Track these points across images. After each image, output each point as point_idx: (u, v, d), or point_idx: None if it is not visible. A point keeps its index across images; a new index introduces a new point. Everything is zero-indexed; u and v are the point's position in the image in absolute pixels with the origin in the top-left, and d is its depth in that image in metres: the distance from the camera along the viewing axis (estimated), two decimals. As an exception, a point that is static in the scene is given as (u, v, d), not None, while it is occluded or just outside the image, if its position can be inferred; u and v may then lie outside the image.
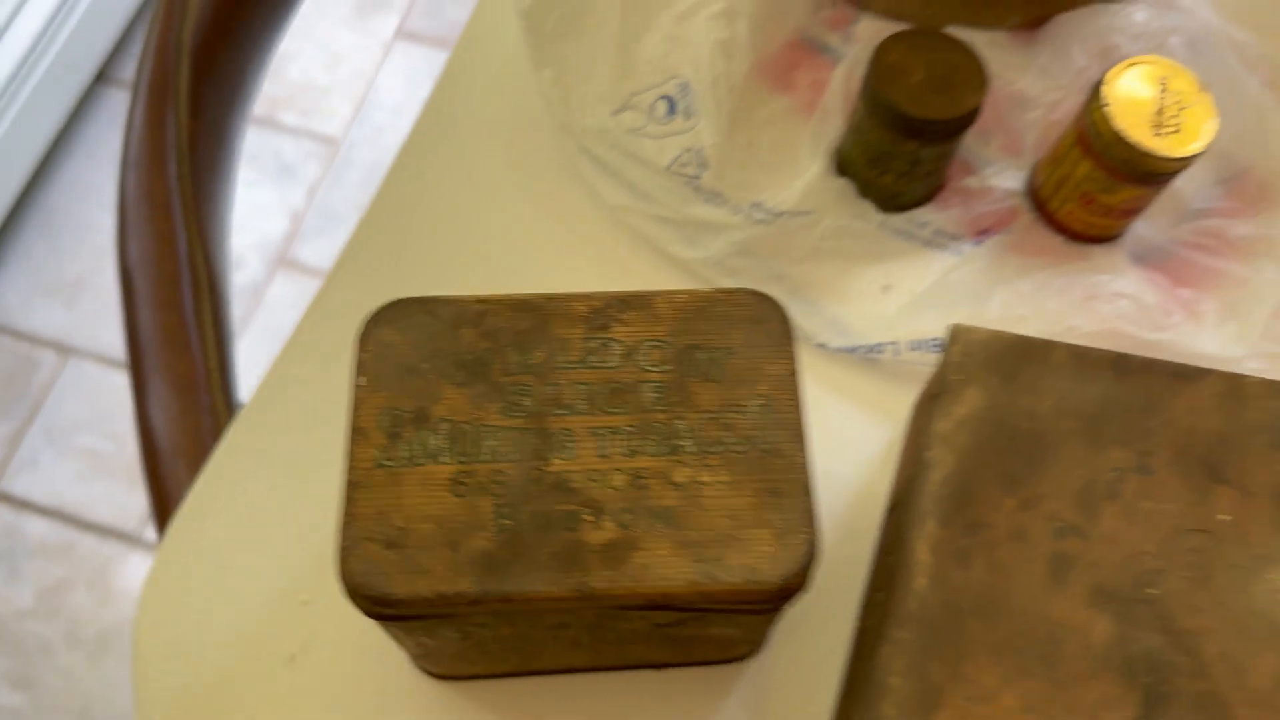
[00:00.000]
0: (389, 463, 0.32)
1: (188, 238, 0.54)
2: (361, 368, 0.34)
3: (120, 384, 1.38)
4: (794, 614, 0.42)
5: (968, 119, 0.44)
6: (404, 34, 1.57)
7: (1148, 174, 0.43)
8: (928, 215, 0.48)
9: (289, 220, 1.44)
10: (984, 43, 0.48)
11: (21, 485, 1.33)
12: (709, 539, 0.32)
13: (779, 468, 0.33)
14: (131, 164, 0.56)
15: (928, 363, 0.44)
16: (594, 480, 0.33)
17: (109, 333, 1.41)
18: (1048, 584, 0.33)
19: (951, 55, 0.45)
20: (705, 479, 0.33)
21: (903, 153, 0.45)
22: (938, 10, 0.49)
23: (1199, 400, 0.35)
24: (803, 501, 0.33)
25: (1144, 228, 0.48)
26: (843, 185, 0.48)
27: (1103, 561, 0.33)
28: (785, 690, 0.41)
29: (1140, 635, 0.32)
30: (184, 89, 0.58)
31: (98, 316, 1.44)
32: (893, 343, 0.45)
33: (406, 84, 1.55)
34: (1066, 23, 0.50)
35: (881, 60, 0.44)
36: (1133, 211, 0.46)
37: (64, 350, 1.41)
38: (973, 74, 0.44)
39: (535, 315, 0.35)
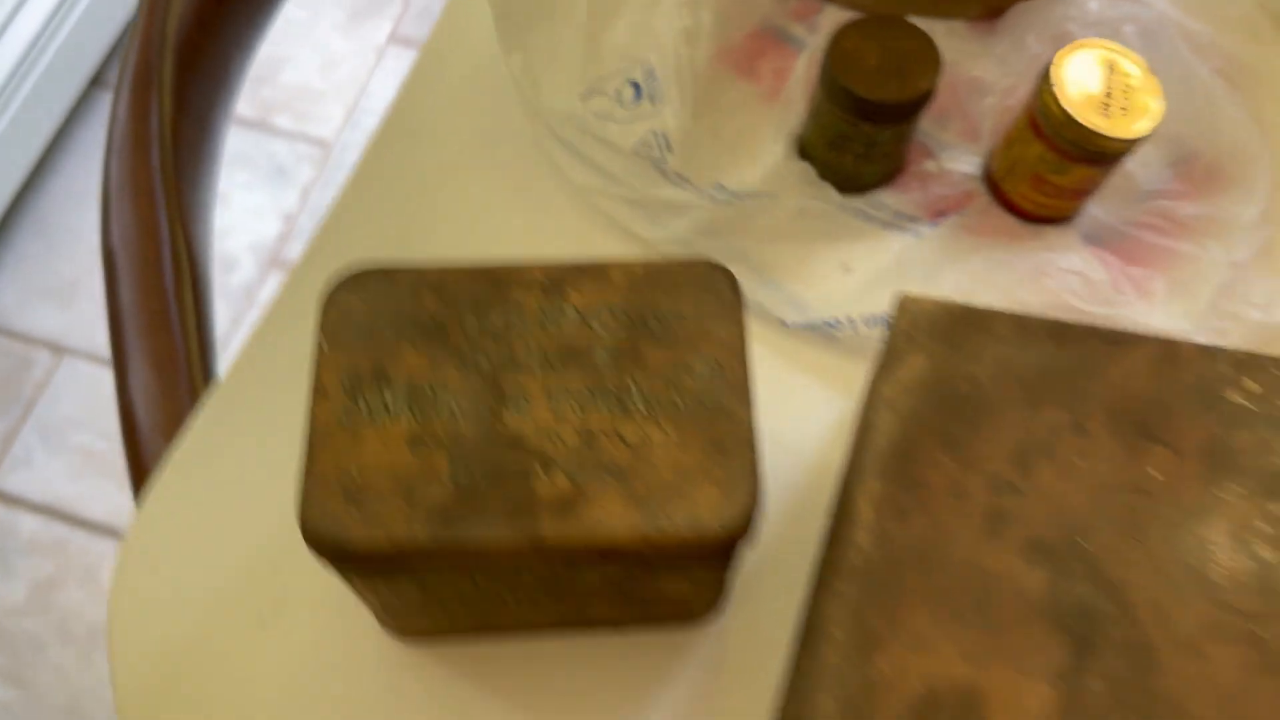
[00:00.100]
0: (348, 419, 0.34)
1: (169, 223, 0.56)
2: (324, 330, 0.35)
3: (113, 383, 1.39)
4: (752, 579, 0.43)
5: (920, 101, 0.45)
6: (396, 39, 1.58)
7: (1096, 154, 0.45)
8: (886, 197, 0.50)
9: (282, 222, 1.46)
10: (943, 32, 0.50)
11: (14, 482, 1.34)
12: (656, 492, 0.33)
13: (725, 426, 0.34)
14: (115, 151, 0.57)
15: (883, 337, 0.46)
16: (547, 437, 0.34)
17: (103, 333, 1.43)
18: (984, 538, 0.34)
19: (906, 42, 0.46)
20: (654, 436, 0.34)
21: (859, 134, 0.46)
22: (900, 1, 0.51)
23: (1134, 364, 0.37)
24: (747, 457, 0.34)
25: (1097, 209, 0.49)
26: (804, 168, 0.49)
27: (1037, 517, 0.35)
28: (743, 652, 0.42)
29: (1072, 586, 0.33)
30: (167, 81, 0.59)
31: (92, 317, 1.45)
32: (849, 318, 0.46)
33: (399, 88, 1.57)
34: (1023, 12, 0.51)
35: (838, 46, 0.46)
36: (1083, 192, 0.47)
37: (58, 350, 1.42)
38: (926, 59, 0.46)
39: (493, 282, 0.36)
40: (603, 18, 0.49)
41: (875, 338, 0.46)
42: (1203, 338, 0.45)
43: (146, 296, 0.53)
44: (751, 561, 0.43)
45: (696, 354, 0.35)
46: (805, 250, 0.49)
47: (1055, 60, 0.45)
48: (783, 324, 0.47)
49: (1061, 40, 0.49)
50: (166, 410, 0.51)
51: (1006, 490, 0.35)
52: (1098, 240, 0.49)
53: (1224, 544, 0.33)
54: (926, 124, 0.51)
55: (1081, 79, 0.45)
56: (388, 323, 0.35)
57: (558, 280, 0.36)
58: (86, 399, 1.40)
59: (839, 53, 0.45)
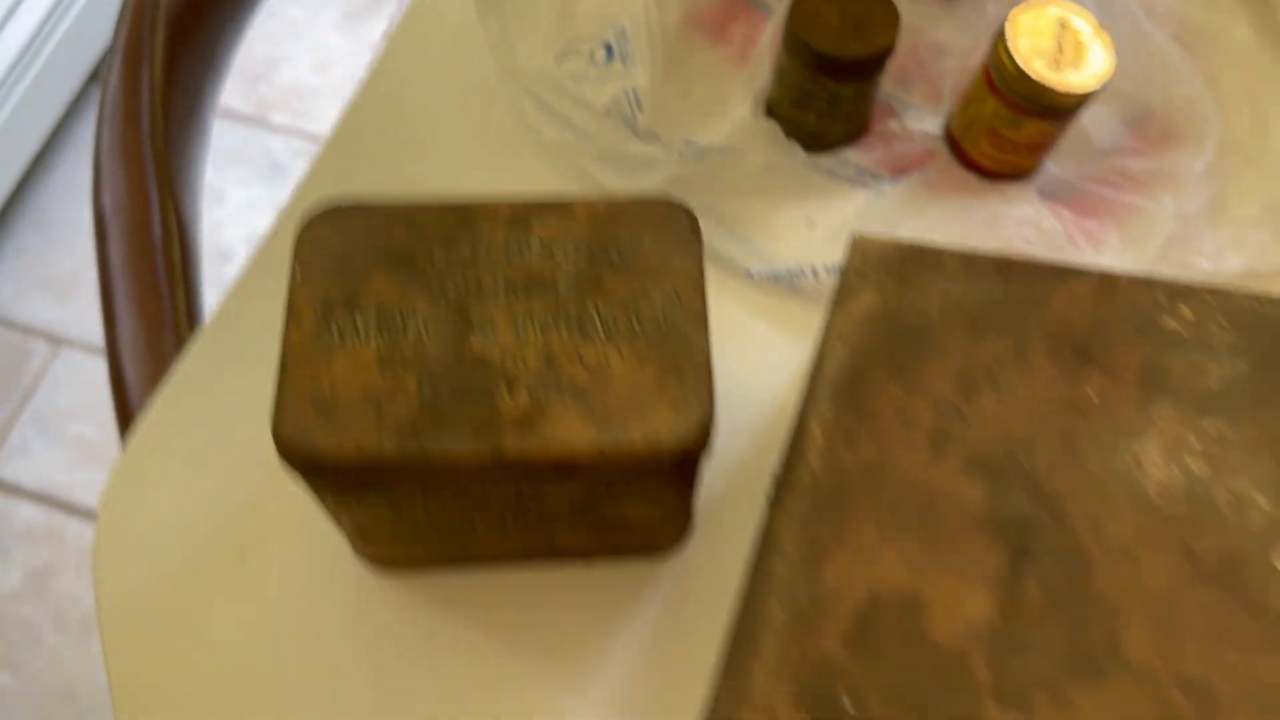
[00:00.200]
0: (320, 342, 0.35)
1: (158, 186, 0.57)
2: (298, 259, 0.37)
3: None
4: (715, 514, 0.45)
5: (880, 58, 0.47)
6: (391, 36, 1.60)
7: (1048, 108, 0.47)
8: (851, 155, 0.51)
9: (278, 216, 1.47)
10: (906, -3, 0.52)
11: (11, 471, 1.35)
12: (614, 409, 0.35)
13: (681, 349, 0.36)
14: (107, 120, 0.59)
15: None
16: (510, 359, 0.35)
17: (100, 325, 1.44)
18: (928, 457, 0.36)
19: (866, 2, 0.48)
20: (613, 358, 0.36)
21: (822, 91, 0.48)
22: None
23: (1074, 294, 0.38)
24: (702, 378, 0.35)
25: (1054, 167, 0.51)
26: (771, 127, 0.51)
27: (979, 437, 0.36)
28: (707, 584, 0.44)
29: (1011, 499, 0.35)
30: (159, 52, 0.61)
31: (89, 310, 1.47)
32: (812, 268, 0.48)
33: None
34: (984, -22, 0.53)
35: (800, 6, 0.48)
36: (1039, 148, 0.49)
37: (56, 341, 1.44)
38: (885, 17, 0.47)
39: (461, 216, 0.38)
40: (576, -19, 0.51)
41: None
42: (1153, 286, 0.47)
43: (136, 257, 0.55)
44: (714, 498, 0.45)
45: (655, 284, 0.37)
46: (771, 205, 0.50)
47: (1009, 18, 0.47)
48: (748, 274, 0.49)
49: (1019, 2, 0.51)
50: (153, 364, 0.53)
51: (950, 413, 0.37)
52: (1053, 195, 0.50)
53: (1156, 459, 0.35)
54: (890, 86, 0.53)
55: (1034, 35, 0.46)
56: (360, 253, 0.37)
57: (523, 214, 0.38)
58: (83, 389, 1.41)
59: (800, 12, 0.47)
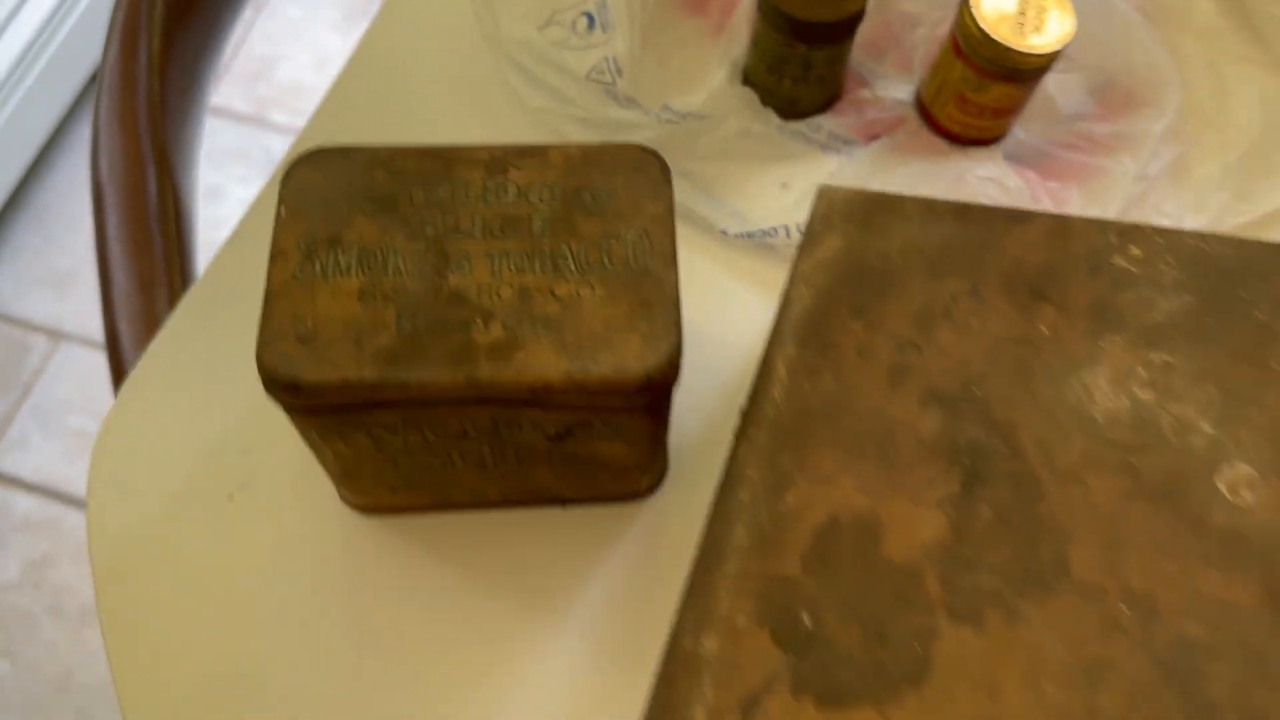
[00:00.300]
0: (303, 277, 0.37)
1: (153, 155, 0.59)
2: (283, 200, 0.38)
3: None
4: (688, 461, 0.46)
5: (850, 22, 0.49)
6: (389, 36, 1.62)
7: (1012, 71, 0.48)
8: (824, 121, 0.53)
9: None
10: (878, -30, 0.53)
11: (10, 463, 1.37)
12: (585, 341, 0.36)
13: (651, 286, 0.37)
14: (105, 90, 0.61)
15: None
16: (486, 293, 0.37)
17: (99, 320, 1.46)
18: (886, 389, 0.37)
19: (838, -31, 0.49)
20: (584, 293, 0.37)
21: (795, 56, 0.50)
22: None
23: (1029, 236, 0.40)
24: (670, 313, 0.37)
25: (1021, 133, 0.53)
26: (747, 94, 0.53)
27: (935, 370, 0.38)
28: (680, 527, 0.45)
29: (964, 428, 0.36)
30: (157, 27, 0.63)
31: (88, 305, 1.49)
32: (785, 227, 0.50)
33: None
34: (953, -48, 0.55)
35: (774, -27, 0.49)
36: (1005, 112, 0.51)
37: (55, 336, 1.45)
38: (856, -16, 0.49)
39: (441, 161, 0.40)
40: (559, -48, 0.53)
41: (808, 243, 0.49)
42: (1114, 243, 0.48)
43: (130, 222, 0.57)
44: (688, 446, 0.46)
45: (626, 225, 0.39)
46: (746, 169, 0.52)
47: (975, -16, 0.48)
48: (723, 234, 0.51)
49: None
50: (147, 323, 0.54)
51: (908, 348, 0.38)
52: (1020, 159, 0.52)
53: (1105, 388, 0.36)
54: (863, 57, 0.55)
55: (998, 1, 0.48)
56: (343, 195, 0.39)
57: (500, 160, 0.40)
58: (82, 383, 1.43)
59: (774, -21, 0.49)
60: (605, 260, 0.38)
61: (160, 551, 0.45)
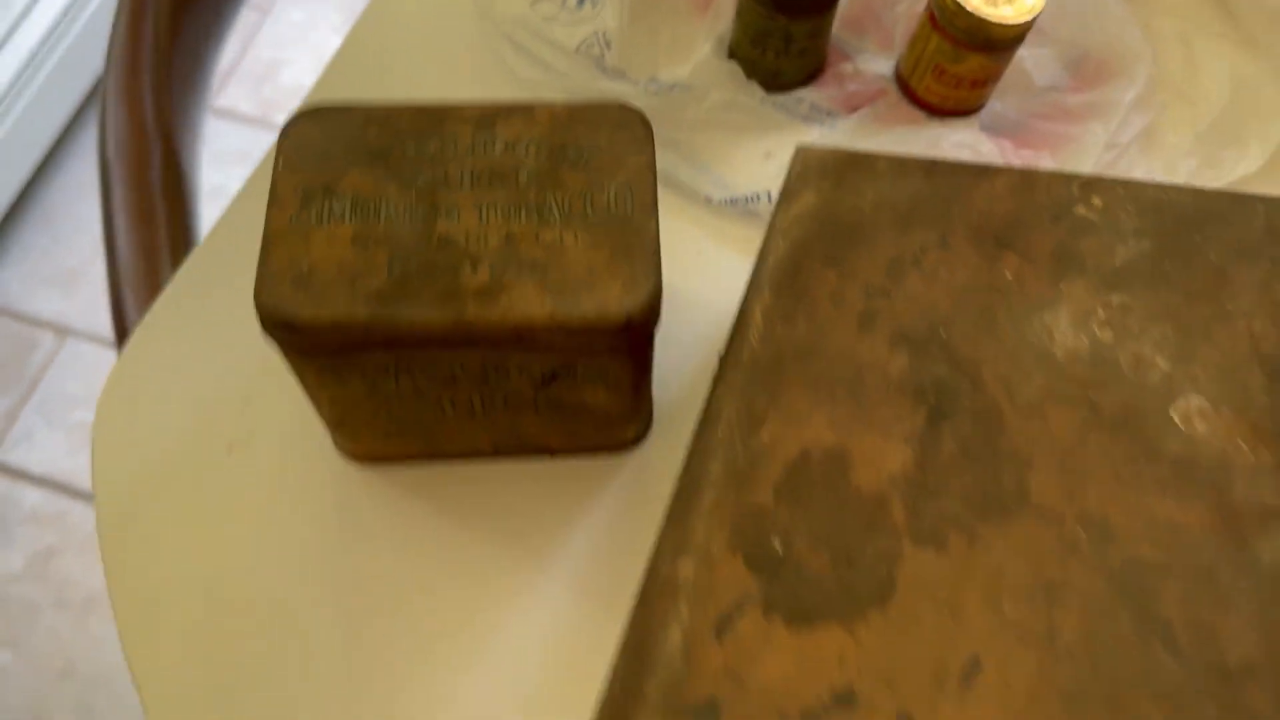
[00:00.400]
0: (299, 224, 0.39)
1: (158, 130, 0.61)
2: (281, 153, 0.40)
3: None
4: (673, 415, 0.48)
5: (830, -5, 0.51)
6: (391, 38, 1.65)
7: (986, 41, 0.50)
8: (806, 94, 0.55)
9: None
10: (859, -51, 0.55)
11: (17, 456, 1.39)
12: (568, 284, 0.38)
13: (632, 233, 0.39)
14: (113, 67, 0.62)
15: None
16: (474, 240, 0.39)
17: (104, 316, 1.48)
18: (857, 334, 0.39)
19: (819, -56, 0.51)
20: (568, 240, 0.39)
21: (776, 29, 0.52)
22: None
23: (995, 189, 0.41)
24: (650, 259, 0.39)
25: (997, 105, 0.54)
26: (732, 67, 0.55)
27: (903, 314, 0.39)
28: (662, 478, 0.47)
29: (930, 367, 0.38)
30: (164, 8, 0.65)
31: (94, 302, 1.51)
32: (768, 193, 0.51)
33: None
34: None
35: (756, -51, 0.51)
36: (980, 82, 0.52)
37: (61, 332, 1.47)
38: (835, -42, 0.51)
39: (433, 118, 0.41)
40: (550, -68, 0.55)
41: (790, 208, 0.51)
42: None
43: (135, 191, 0.59)
44: (671, 401, 0.48)
45: (609, 177, 0.40)
46: (731, 139, 0.54)
47: (949, -42, 0.50)
48: (708, 201, 0.52)
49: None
50: (150, 289, 0.56)
51: (878, 295, 0.40)
52: (996, 130, 0.54)
53: (1065, 328, 0.38)
54: (845, 34, 0.57)
55: (972, -27, 0.50)
56: (338, 148, 0.40)
57: (489, 116, 0.41)
58: (88, 378, 1.45)
59: (757, -46, 0.51)
60: (588, 210, 0.39)
61: (162, 499, 0.46)
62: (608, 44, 0.54)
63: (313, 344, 0.38)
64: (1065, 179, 0.41)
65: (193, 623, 0.44)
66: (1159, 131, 0.53)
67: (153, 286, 0.57)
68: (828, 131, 0.53)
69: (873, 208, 0.42)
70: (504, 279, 0.38)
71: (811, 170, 0.43)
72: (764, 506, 0.36)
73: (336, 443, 0.46)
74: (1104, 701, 0.31)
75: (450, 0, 0.57)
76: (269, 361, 0.48)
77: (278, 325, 0.37)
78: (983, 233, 0.40)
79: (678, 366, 0.49)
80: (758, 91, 0.54)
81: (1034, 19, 0.49)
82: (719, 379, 0.40)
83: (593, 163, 0.41)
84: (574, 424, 0.45)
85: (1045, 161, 0.51)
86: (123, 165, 0.59)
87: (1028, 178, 0.41)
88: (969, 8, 0.49)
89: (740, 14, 0.53)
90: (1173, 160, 0.52)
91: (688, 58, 0.55)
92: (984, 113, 0.54)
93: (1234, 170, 0.51)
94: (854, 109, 0.55)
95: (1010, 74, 0.54)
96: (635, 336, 0.39)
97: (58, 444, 1.40)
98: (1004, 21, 0.49)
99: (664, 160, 0.53)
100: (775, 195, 0.50)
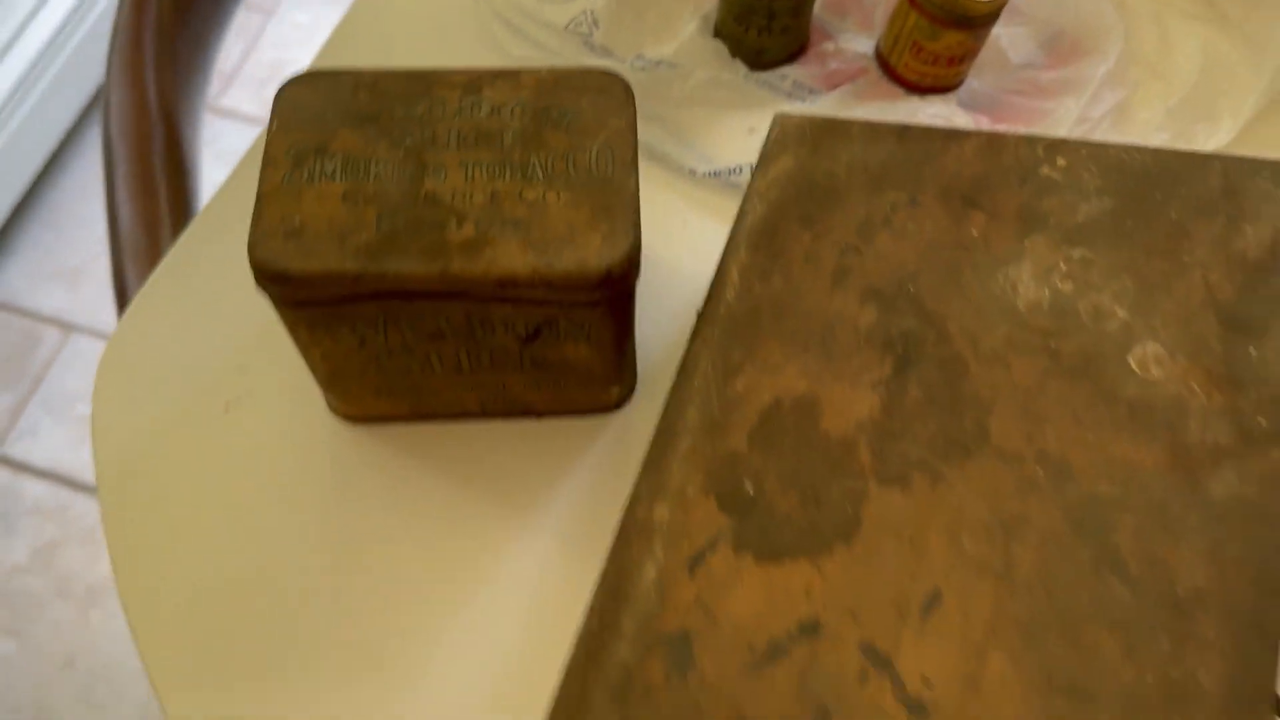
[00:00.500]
0: (291, 182, 0.40)
1: (160, 109, 0.63)
2: (275, 115, 0.42)
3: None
4: (656, 377, 0.49)
5: (809, -27, 0.52)
6: (393, 39, 1.67)
7: (962, 18, 0.51)
8: (789, 71, 0.56)
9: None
10: (840, -69, 0.57)
11: (21, 450, 1.40)
12: (550, 239, 0.39)
13: (612, 192, 0.41)
14: (116, 48, 0.64)
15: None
16: (459, 197, 0.40)
17: (108, 312, 1.50)
18: (829, 288, 0.41)
19: (799, -75, 0.53)
20: (550, 198, 0.40)
21: (759, 6, 0.53)
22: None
23: (965, 152, 0.43)
24: (629, 216, 0.40)
25: (975, 83, 0.56)
26: (717, 45, 0.56)
27: (874, 270, 0.41)
28: (643, 439, 0.48)
29: (898, 319, 0.39)
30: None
31: (98, 298, 1.53)
32: (749, 164, 0.53)
33: None
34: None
35: (739, -72, 0.53)
36: (957, 59, 0.54)
37: (66, 328, 1.49)
38: (815, -63, 0.52)
39: (421, 82, 0.43)
40: (540, -86, 0.57)
41: (771, 179, 0.52)
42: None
43: (137, 165, 0.60)
44: (654, 366, 0.49)
45: (591, 139, 0.42)
46: (715, 115, 0.55)
47: (926, -62, 0.52)
48: (692, 174, 0.54)
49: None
50: (150, 259, 0.58)
51: (850, 252, 0.41)
52: (973, 106, 0.55)
53: (1028, 281, 0.39)
54: (827, 15, 0.58)
55: (948, -49, 0.51)
56: (330, 110, 0.42)
57: (476, 81, 0.43)
58: (91, 373, 1.46)
59: (739, -66, 0.52)
60: (570, 169, 0.41)
61: (159, 457, 0.48)
62: (596, 23, 0.55)
63: (304, 296, 0.39)
64: (1031, 141, 0.42)
65: (190, 575, 0.45)
66: (1131, 107, 0.54)
67: (153, 259, 0.58)
68: (809, 108, 0.55)
69: (846, 170, 0.43)
70: (488, 234, 0.39)
71: (789, 136, 0.45)
72: (737, 452, 0.38)
73: (329, 403, 0.48)
74: (1059, 631, 0.33)
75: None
76: (265, 327, 0.50)
77: (271, 277, 0.39)
78: (951, 193, 0.42)
79: (661, 332, 0.50)
80: (741, 69, 0.56)
81: (1008, -5, 0.50)
82: (696, 334, 0.41)
83: (575, 125, 0.42)
84: (559, 383, 0.46)
85: (1020, 135, 0.52)
86: (125, 143, 0.61)
87: (995, 141, 0.43)
88: (945, -16, 0.50)
89: (724, -8, 0.54)
90: (1144, 135, 0.53)
91: (673, 36, 0.56)
92: (962, 90, 0.55)
93: (1205, 144, 0.52)
94: (835, 86, 0.56)
95: (987, 53, 0.55)
96: (615, 290, 0.40)
97: (61, 438, 1.41)
98: (978, -2, 0.50)
99: (650, 135, 0.54)
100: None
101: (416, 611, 0.44)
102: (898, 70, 0.55)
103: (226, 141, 1.62)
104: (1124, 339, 0.38)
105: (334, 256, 0.39)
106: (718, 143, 0.55)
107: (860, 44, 0.57)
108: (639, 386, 0.50)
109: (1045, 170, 0.42)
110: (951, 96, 0.55)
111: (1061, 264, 0.39)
